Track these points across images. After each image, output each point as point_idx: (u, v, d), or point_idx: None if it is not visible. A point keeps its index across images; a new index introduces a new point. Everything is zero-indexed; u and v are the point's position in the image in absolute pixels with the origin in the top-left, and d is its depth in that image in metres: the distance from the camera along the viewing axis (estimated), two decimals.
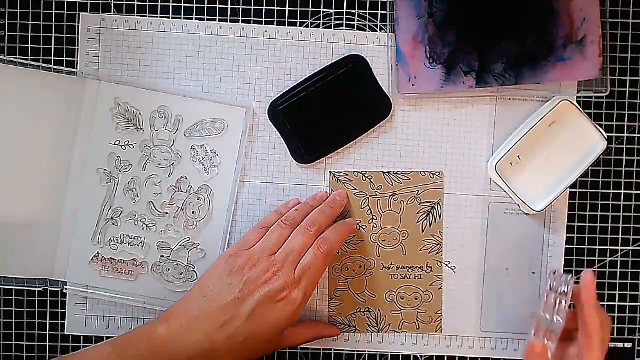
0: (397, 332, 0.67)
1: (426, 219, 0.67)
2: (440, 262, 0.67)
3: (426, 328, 0.67)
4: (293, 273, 0.58)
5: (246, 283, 0.57)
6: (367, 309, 0.67)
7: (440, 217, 0.67)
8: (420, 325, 0.67)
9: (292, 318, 0.58)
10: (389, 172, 0.67)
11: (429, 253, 0.67)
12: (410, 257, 0.67)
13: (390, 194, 0.67)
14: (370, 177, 0.67)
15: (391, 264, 0.67)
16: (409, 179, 0.67)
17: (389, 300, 0.67)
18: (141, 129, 0.65)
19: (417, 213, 0.67)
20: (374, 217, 0.67)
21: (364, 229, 0.67)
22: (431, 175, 0.67)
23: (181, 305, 0.58)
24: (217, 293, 0.57)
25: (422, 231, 0.67)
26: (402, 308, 0.67)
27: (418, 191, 0.67)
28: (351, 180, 0.67)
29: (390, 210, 0.67)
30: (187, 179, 0.66)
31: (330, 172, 0.67)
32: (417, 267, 0.67)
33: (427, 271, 0.67)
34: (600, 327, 0.55)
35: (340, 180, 0.67)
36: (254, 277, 0.57)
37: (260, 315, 0.56)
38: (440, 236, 0.67)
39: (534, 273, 0.67)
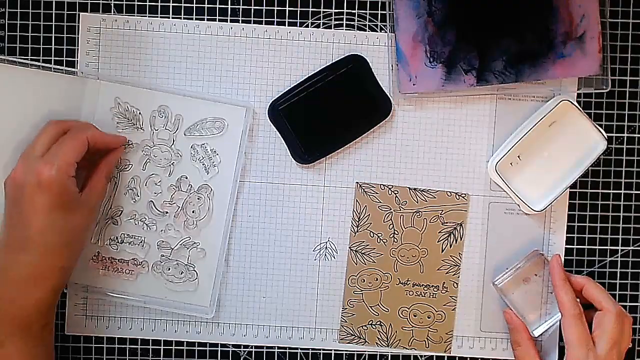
0: (407, 349, 0.67)
1: (447, 239, 0.67)
2: (456, 283, 0.67)
3: (435, 347, 0.67)
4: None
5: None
6: (378, 322, 0.67)
7: (461, 238, 0.67)
8: (430, 344, 0.67)
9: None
10: (415, 189, 0.67)
11: (446, 273, 0.67)
12: (427, 275, 0.67)
13: (414, 210, 0.67)
14: (396, 192, 0.67)
15: (407, 280, 0.67)
16: (434, 197, 0.67)
17: (401, 316, 0.67)
18: (141, 128, 0.66)
19: (439, 232, 0.67)
20: (396, 232, 0.67)
21: (384, 242, 0.67)
22: (457, 196, 0.67)
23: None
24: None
25: (442, 251, 0.67)
26: (414, 325, 0.67)
27: (442, 211, 0.67)
28: (377, 193, 0.67)
29: (412, 227, 0.67)
30: (187, 178, 0.66)
31: (357, 182, 0.67)
32: (433, 285, 0.67)
33: (443, 291, 0.67)
34: (572, 302, 0.62)
35: (366, 192, 0.67)
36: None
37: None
38: (459, 257, 0.67)
39: (536, 275, 0.66)
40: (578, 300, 0.62)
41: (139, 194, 0.66)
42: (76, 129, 0.61)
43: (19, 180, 0.58)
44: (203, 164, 0.66)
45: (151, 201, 0.66)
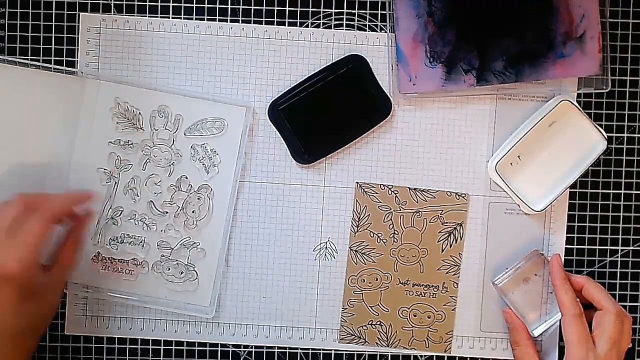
0: (407, 349, 0.67)
1: (447, 239, 0.67)
2: (457, 283, 0.67)
3: (435, 347, 0.67)
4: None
5: None
6: (378, 322, 0.67)
7: (461, 238, 0.67)
8: (430, 344, 0.67)
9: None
10: (415, 189, 0.67)
11: (446, 273, 0.67)
12: (427, 275, 0.67)
13: (414, 210, 0.67)
14: (396, 192, 0.67)
15: (407, 280, 0.67)
16: (434, 197, 0.67)
17: (401, 316, 0.67)
18: (141, 128, 0.66)
19: (439, 232, 0.67)
20: (396, 232, 0.67)
21: (384, 242, 0.67)
22: (457, 196, 0.67)
23: None
24: None
25: (442, 251, 0.67)
26: (414, 325, 0.67)
27: (442, 211, 0.67)
28: (377, 193, 0.67)
29: (412, 226, 0.67)
30: (187, 178, 0.66)
31: (357, 182, 0.67)
32: (433, 285, 0.67)
33: (443, 291, 0.67)
34: (572, 302, 0.62)
35: (366, 192, 0.67)
36: None
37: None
38: (459, 257, 0.67)
39: (536, 275, 0.66)
40: (578, 300, 0.62)
41: (139, 194, 0.66)
42: (42, 209, 0.57)
43: None
44: (203, 164, 0.66)
45: (151, 201, 0.66)
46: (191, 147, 0.66)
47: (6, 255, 0.55)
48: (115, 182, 0.66)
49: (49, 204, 0.58)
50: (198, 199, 0.66)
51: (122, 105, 0.65)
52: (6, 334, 0.56)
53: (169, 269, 0.66)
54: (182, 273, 0.66)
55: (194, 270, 0.66)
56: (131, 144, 0.66)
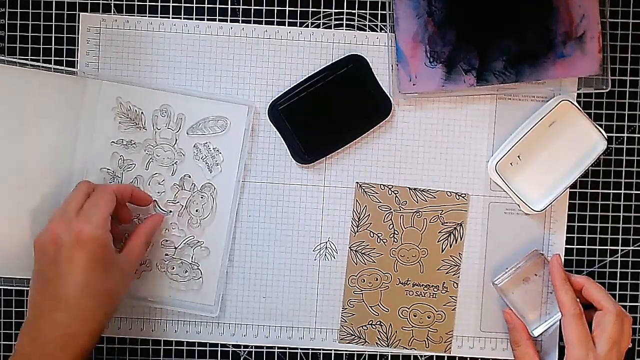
0: (407, 349, 0.67)
1: (447, 239, 0.67)
2: (457, 283, 0.67)
3: (435, 347, 0.67)
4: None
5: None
6: (378, 322, 0.67)
7: (461, 238, 0.67)
8: (430, 344, 0.67)
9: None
10: (415, 189, 0.67)
11: (446, 273, 0.67)
12: (427, 275, 0.67)
13: (414, 210, 0.67)
14: (396, 192, 0.67)
15: (407, 280, 0.67)
16: (434, 197, 0.67)
17: (401, 316, 0.67)
18: (143, 127, 0.66)
19: (439, 232, 0.67)
20: (396, 232, 0.67)
21: (384, 242, 0.67)
22: (457, 196, 0.67)
23: None
24: None
25: (442, 251, 0.67)
26: (414, 325, 0.67)
27: (442, 211, 0.67)
28: (377, 193, 0.67)
29: (412, 226, 0.67)
30: (190, 177, 0.66)
31: (357, 182, 0.67)
32: (433, 285, 0.67)
33: (443, 291, 0.67)
34: (572, 302, 0.62)
35: (366, 192, 0.67)
36: None
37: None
38: (459, 257, 0.67)
39: (536, 275, 0.66)
40: (578, 300, 0.62)
41: None
42: (102, 186, 0.61)
43: (55, 238, 0.56)
44: (206, 163, 0.66)
45: (155, 200, 0.66)
46: (194, 146, 0.66)
47: (81, 222, 0.57)
48: (119, 182, 0.66)
49: (109, 185, 0.63)
50: (201, 197, 0.66)
51: (124, 105, 0.65)
52: (69, 305, 0.56)
53: (173, 268, 0.66)
54: (186, 272, 0.66)
55: (198, 269, 0.66)
56: (134, 143, 0.66)
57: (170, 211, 0.66)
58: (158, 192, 0.66)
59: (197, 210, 0.66)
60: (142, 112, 0.65)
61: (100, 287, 0.57)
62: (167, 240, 0.66)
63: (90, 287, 0.57)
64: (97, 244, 0.57)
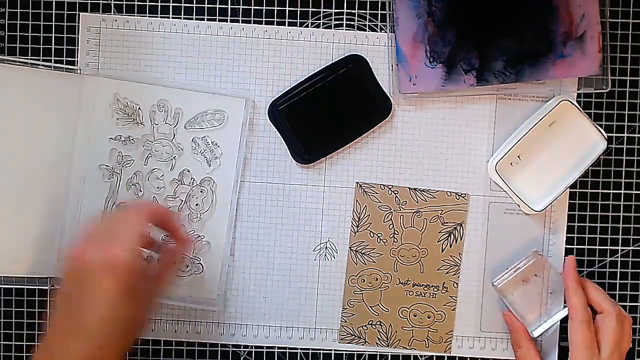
0: (407, 349, 0.67)
1: (447, 239, 0.67)
2: (457, 283, 0.67)
3: (435, 347, 0.67)
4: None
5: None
6: (378, 322, 0.67)
7: (461, 238, 0.67)
8: (430, 344, 0.67)
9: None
10: (415, 189, 0.67)
11: (446, 273, 0.67)
12: (427, 275, 0.67)
13: (414, 210, 0.67)
14: (396, 192, 0.67)
15: (408, 280, 0.67)
16: (434, 197, 0.67)
17: (401, 316, 0.67)
18: (141, 123, 0.66)
19: (439, 232, 0.67)
20: (396, 232, 0.67)
21: (384, 242, 0.67)
22: (457, 196, 0.67)
23: None
24: None
25: (442, 251, 0.67)
26: (414, 325, 0.67)
27: (442, 211, 0.67)
28: (377, 193, 0.67)
29: (412, 226, 0.67)
30: (189, 171, 0.66)
31: (357, 182, 0.67)
32: (433, 285, 0.67)
33: (443, 291, 0.67)
34: (582, 307, 0.61)
35: (366, 192, 0.67)
36: None
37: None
38: (459, 257, 0.67)
39: (535, 275, 0.66)
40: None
41: (141, 189, 0.66)
42: (134, 208, 0.60)
43: (85, 258, 0.53)
44: (205, 157, 0.66)
45: (154, 196, 0.66)
46: (192, 141, 0.66)
47: (114, 248, 0.53)
48: (118, 178, 0.66)
49: (139, 204, 0.61)
50: (201, 191, 0.66)
51: (122, 101, 0.65)
52: (92, 333, 0.52)
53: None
54: (187, 266, 0.66)
55: (200, 263, 0.66)
56: (132, 139, 0.66)
57: (170, 206, 0.66)
58: (157, 188, 0.66)
59: (196, 205, 0.66)
60: (139, 108, 0.65)
61: (127, 317, 0.54)
62: (167, 235, 0.66)
63: (117, 316, 0.53)
64: (129, 272, 0.53)
